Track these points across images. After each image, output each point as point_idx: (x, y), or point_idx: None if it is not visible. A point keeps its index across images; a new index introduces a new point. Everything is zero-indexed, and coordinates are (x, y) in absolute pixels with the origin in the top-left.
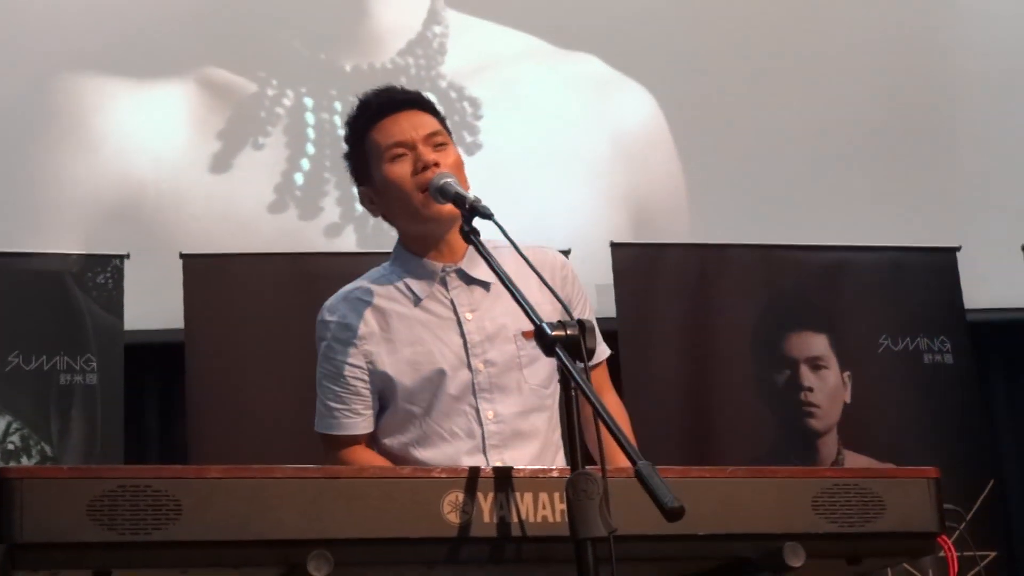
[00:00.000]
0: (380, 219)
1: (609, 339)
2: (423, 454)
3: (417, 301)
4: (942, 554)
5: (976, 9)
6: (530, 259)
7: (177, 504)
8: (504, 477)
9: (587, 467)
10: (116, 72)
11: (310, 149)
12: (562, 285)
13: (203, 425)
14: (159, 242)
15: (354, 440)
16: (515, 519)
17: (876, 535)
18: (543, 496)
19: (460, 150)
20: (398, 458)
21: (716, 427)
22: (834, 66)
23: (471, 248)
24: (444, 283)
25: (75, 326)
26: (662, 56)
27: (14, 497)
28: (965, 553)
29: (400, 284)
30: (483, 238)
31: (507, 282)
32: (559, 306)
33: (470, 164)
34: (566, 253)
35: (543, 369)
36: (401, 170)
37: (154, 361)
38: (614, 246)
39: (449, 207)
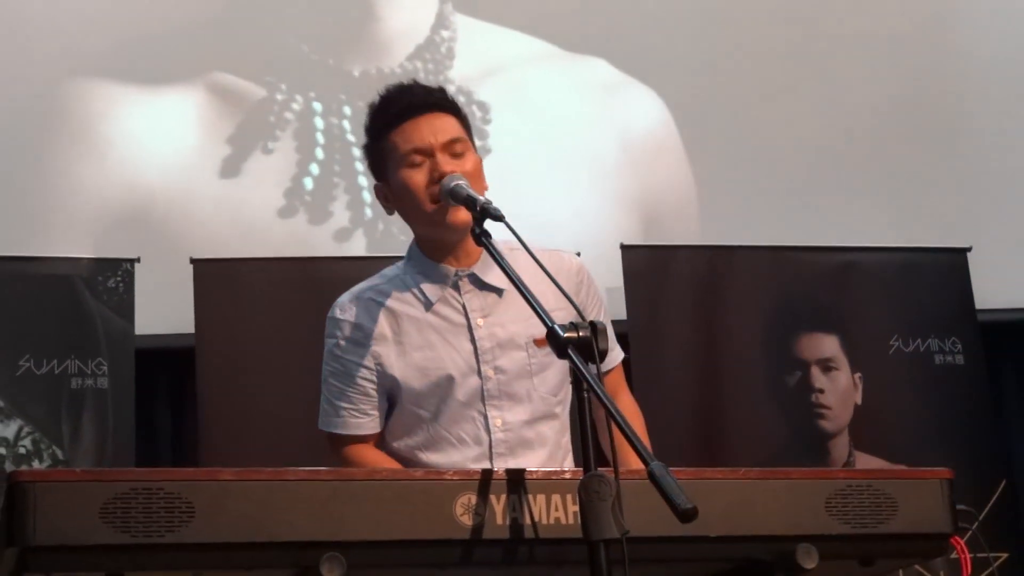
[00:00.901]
0: (389, 224)
1: (619, 341)
2: (430, 458)
3: (429, 305)
4: (955, 555)
5: (989, 8)
6: (545, 262)
7: (190, 506)
8: (517, 479)
9: (599, 469)
10: (126, 77)
11: (319, 154)
12: (577, 290)
13: (214, 428)
14: (169, 247)
15: (360, 440)
16: (528, 521)
17: (889, 536)
18: (556, 498)
19: None
20: (405, 461)
21: (727, 429)
22: (844, 66)
23: (484, 252)
24: (457, 287)
25: (86, 330)
26: (670, 58)
27: (27, 500)
28: (979, 555)
29: (413, 287)
30: (500, 240)
31: (519, 284)
32: (573, 310)
33: None
34: (576, 255)
35: (553, 377)
36: (418, 178)
37: (165, 365)
38: (624, 248)
39: (463, 216)
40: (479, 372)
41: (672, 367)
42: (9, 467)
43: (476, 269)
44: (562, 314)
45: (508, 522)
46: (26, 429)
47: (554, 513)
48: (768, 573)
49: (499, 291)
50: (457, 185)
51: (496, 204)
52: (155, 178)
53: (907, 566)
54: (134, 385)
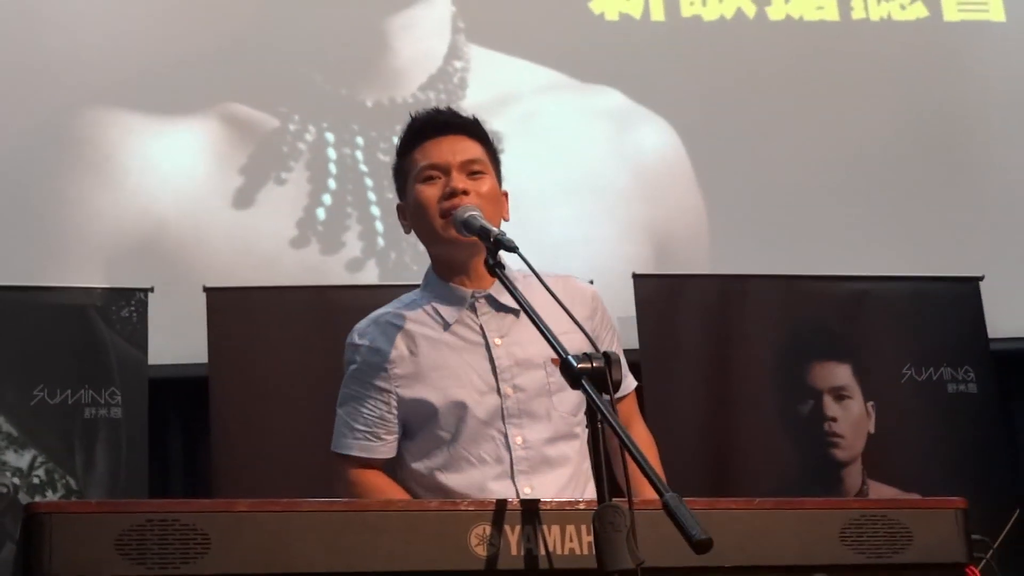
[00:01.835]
0: (401, 253)
1: (632, 370)
2: (450, 479)
3: (446, 326)
4: None
5: (998, 38)
6: (560, 288)
7: (206, 538)
8: (531, 509)
9: (614, 499)
10: (140, 107)
11: (332, 184)
12: (590, 316)
13: (227, 458)
14: (182, 276)
15: (371, 464)
16: (542, 551)
17: (904, 566)
18: (570, 528)
19: None
20: (425, 482)
21: (739, 458)
22: (856, 96)
23: None
24: (473, 308)
25: (99, 360)
26: (682, 88)
27: (44, 532)
28: None
29: (428, 308)
30: (514, 268)
31: (532, 315)
32: (593, 328)
33: None
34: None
35: (572, 397)
36: (430, 192)
37: (178, 394)
38: (636, 277)
39: (469, 238)
40: (498, 390)
41: (684, 396)
42: (23, 497)
43: (492, 291)
44: (574, 337)
45: (523, 552)
46: (40, 459)
47: (568, 544)
48: None
49: (516, 312)
50: (471, 216)
51: (509, 233)
52: (169, 207)
53: None
54: (147, 415)
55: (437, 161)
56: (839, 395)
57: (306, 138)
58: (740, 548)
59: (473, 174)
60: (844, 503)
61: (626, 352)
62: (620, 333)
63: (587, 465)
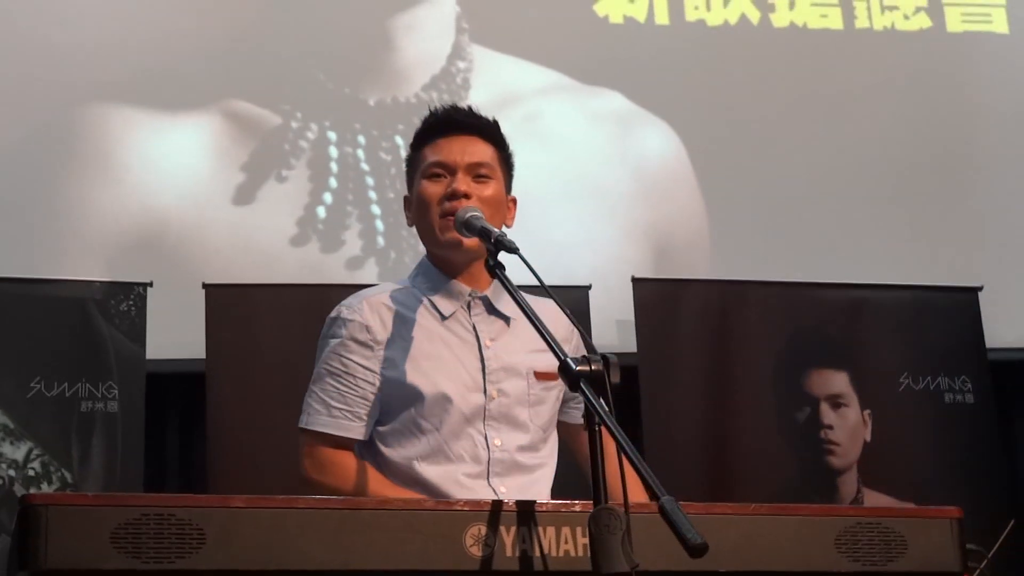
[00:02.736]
0: (401, 253)
1: (630, 374)
2: (428, 470)
3: (442, 318)
4: None
5: (1001, 49)
6: (548, 305)
7: (201, 533)
8: (527, 511)
9: (610, 502)
10: (141, 103)
11: (333, 183)
12: (567, 339)
13: (223, 454)
14: (181, 272)
15: (344, 443)
16: (537, 553)
17: (898, 574)
18: (565, 530)
19: None
20: (400, 471)
21: (735, 463)
22: (857, 105)
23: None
24: (468, 308)
25: (97, 353)
26: (685, 92)
27: (39, 524)
28: None
29: (424, 300)
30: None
31: (532, 316)
32: (572, 350)
33: None
34: (587, 288)
35: (546, 412)
36: (433, 190)
37: (175, 390)
38: (635, 281)
39: (468, 240)
40: (484, 391)
41: (682, 400)
42: (18, 489)
43: (489, 294)
44: (566, 348)
45: (518, 554)
46: (35, 451)
47: (564, 545)
48: None
49: (507, 319)
50: (473, 216)
51: (509, 235)
52: (170, 203)
53: None
54: (144, 409)
55: (445, 160)
56: (836, 403)
57: (308, 136)
58: (735, 553)
59: (479, 177)
60: (840, 510)
61: (624, 356)
62: (615, 337)
63: (549, 470)
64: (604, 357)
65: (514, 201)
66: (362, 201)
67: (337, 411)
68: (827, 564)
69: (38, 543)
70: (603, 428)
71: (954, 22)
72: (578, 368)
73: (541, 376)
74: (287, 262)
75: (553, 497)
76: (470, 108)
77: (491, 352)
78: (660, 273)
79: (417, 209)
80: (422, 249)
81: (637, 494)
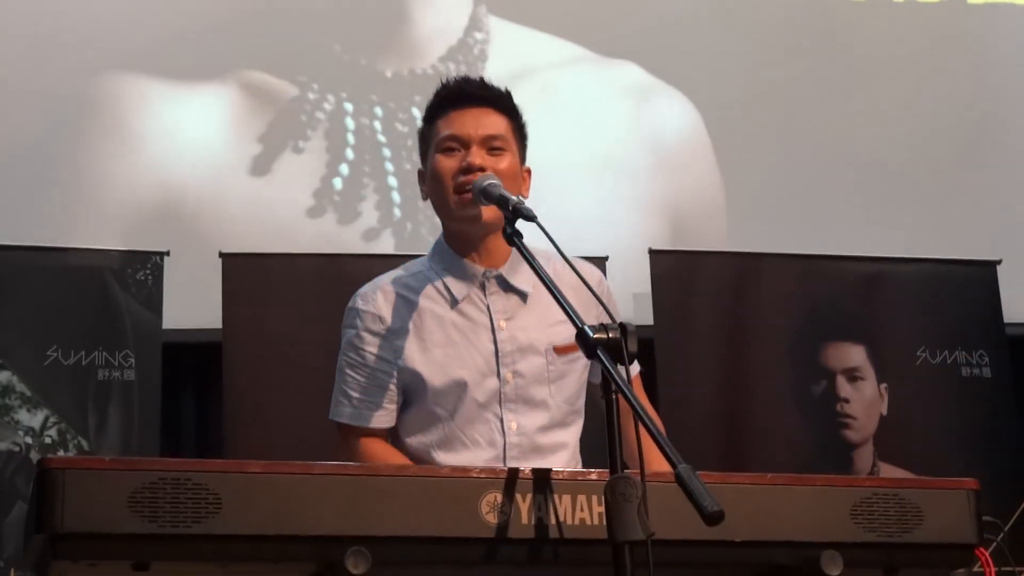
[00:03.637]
0: (417, 225)
1: (646, 346)
2: (444, 457)
3: (454, 303)
4: (979, 567)
5: (1021, 20)
6: (565, 275)
7: (217, 498)
8: (543, 479)
9: (626, 471)
10: (159, 73)
11: (349, 154)
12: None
13: (239, 423)
14: (198, 242)
15: (373, 432)
16: (553, 521)
17: (914, 546)
18: (581, 498)
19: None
20: (418, 458)
21: (751, 436)
22: (876, 78)
23: (512, 254)
24: (483, 287)
25: (114, 322)
26: (702, 64)
27: (56, 487)
28: (1003, 568)
29: (438, 283)
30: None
31: (550, 285)
32: (592, 320)
33: None
34: (604, 260)
35: (570, 386)
36: (448, 164)
37: (191, 358)
38: (652, 253)
39: (487, 210)
40: (498, 374)
41: (698, 373)
42: (35, 456)
43: (504, 271)
44: (585, 319)
45: (533, 521)
46: (52, 419)
47: (579, 514)
48: None
49: (523, 295)
50: (491, 184)
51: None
52: (186, 173)
53: None
54: (160, 378)
55: (459, 133)
56: (852, 376)
57: (325, 107)
58: (751, 522)
59: (493, 150)
60: (856, 480)
61: (640, 328)
62: (629, 309)
63: (572, 450)
64: (622, 325)
65: (528, 172)
66: (378, 173)
67: (359, 402)
68: (843, 535)
69: (55, 506)
70: (619, 396)
71: None
72: (596, 336)
73: (560, 350)
74: (304, 233)
75: (587, 465)
76: (482, 79)
77: (505, 334)
78: (676, 245)
79: (432, 183)
80: (438, 221)
81: (655, 464)
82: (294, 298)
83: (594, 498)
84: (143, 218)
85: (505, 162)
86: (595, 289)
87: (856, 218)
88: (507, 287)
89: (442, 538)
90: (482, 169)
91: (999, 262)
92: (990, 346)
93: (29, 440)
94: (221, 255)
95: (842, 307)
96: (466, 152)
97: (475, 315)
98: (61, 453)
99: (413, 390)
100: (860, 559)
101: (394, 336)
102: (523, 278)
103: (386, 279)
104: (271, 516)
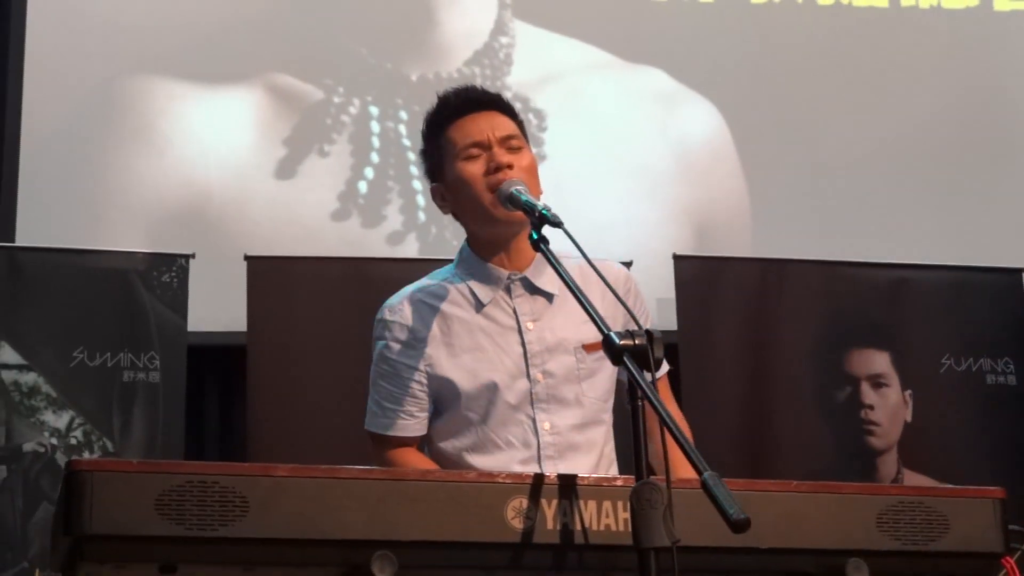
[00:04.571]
0: (442, 228)
1: (669, 351)
2: (478, 461)
3: (480, 307)
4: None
5: None
6: (591, 278)
7: (244, 501)
8: (568, 484)
9: (651, 477)
10: (185, 76)
11: (374, 158)
12: (625, 298)
13: (263, 426)
14: (223, 244)
15: (405, 442)
16: (578, 527)
17: (940, 554)
18: (607, 504)
19: None
20: (452, 463)
21: (775, 442)
22: (901, 83)
23: (537, 257)
24: (508, 290)
25: (139, 324)
26: (728, 70)
27: (84, 489)
28: None
29: (463, 288)
30: (554, 249)
31: (575, 290)
32: (620, 320)
33: None
34: (628, 264)
35: (602, 383)
36: (474, 169)
37: (216, 361)
38: (677, 258)
39: (519, 212)
40: (528, 375)
41: (722, 378)
42: (60, 457)
43: (528, 273)
44: (611, 321)
45: (559, 527)
46: (78, 420)
47: (604, 520)
48: None
49: (549, 296)
50: (516, 191)
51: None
52: (212, 176)
53: None
54: (185, 380)
55: (478, 138)
56: (877, 383)
57: (350, 111)
58: (776, 530)
59: (512, 149)
60: (881, 488)
61: (664, 333)
62: (653, 315)
63: (610, 448)
64: (648, 332)
65: (536, 161)
66: (403, 176)
67: (391, 411)
68: (868, 543)
69: (83, 508)
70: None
71: (1001, 0)
72: (622, 342)
73: (590, 348)
74: (328, 236)
75: (621, 469)
76: (475, 86)
77: (532, 335)
78: (701, 250)
79: (459, 191)
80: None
81: (681, 471)
82: (318, 301)
83: (620, 504)
84: (169, 220)
85: (526, 159)
86: (622, 287)
87: (881, 225)
88: (533, 289)
89: (468, 543)
90: (510, 166)
91: None
92: (1016, 354)
93: (55, 441)
94: (246, 258)
95: (867, 314)
96: (488, 154)
97: (502, 318)
98: (86, 454)
99: (444, 396)
100: (885, 567)
101: (422, 345)
102: (548, 280)
103: (412, 289)
104: (298, 519)
